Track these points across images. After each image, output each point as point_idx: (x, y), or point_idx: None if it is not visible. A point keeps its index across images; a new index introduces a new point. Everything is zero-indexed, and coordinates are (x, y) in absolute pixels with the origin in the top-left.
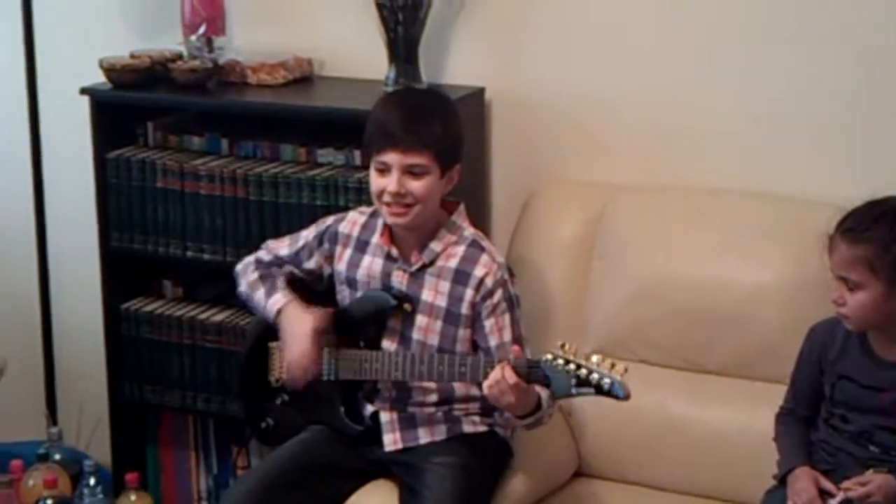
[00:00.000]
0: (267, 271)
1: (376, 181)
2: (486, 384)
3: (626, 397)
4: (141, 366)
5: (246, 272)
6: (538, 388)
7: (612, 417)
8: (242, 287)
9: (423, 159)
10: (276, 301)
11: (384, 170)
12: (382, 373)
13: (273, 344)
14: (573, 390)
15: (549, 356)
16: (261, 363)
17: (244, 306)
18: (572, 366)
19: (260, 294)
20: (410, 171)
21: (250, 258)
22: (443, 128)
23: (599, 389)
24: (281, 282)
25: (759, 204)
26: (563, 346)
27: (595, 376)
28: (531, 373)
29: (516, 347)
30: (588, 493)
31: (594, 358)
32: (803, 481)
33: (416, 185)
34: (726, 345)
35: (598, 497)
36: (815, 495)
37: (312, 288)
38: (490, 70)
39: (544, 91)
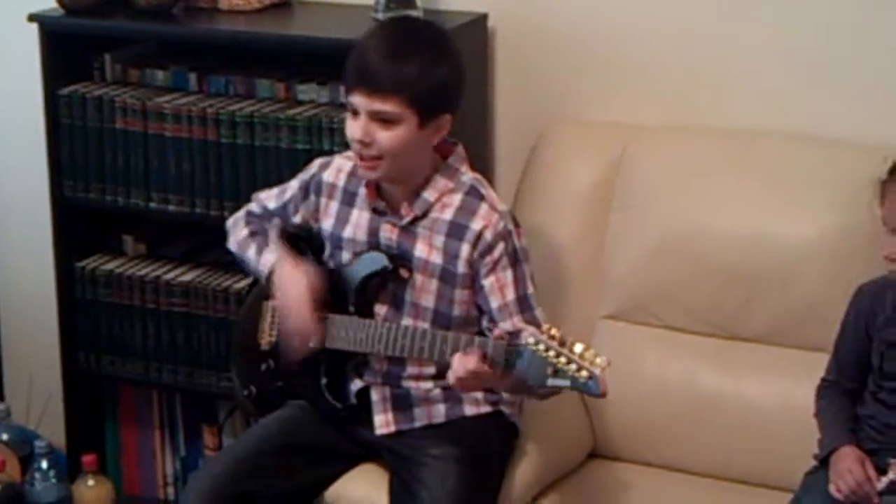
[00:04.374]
0: (258, 225)
1: (348, 125)
2: (451, 376)
3: (601, 395)
4: (98, 333)
5: (236, 227)
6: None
7: (633, 391)
8: (233, 244)
9: (391, 105)
10: (266, 260)
11: (356, 112)
12: (365, 344)
13: (267, 303)
14: (549, 381)
15: (532, 340)
16: (251, 323)
17: (216, 264)
18: (552, 353)
19: (251, 252)
20: (379, 118)
21: (241, 212)
22: (421, 70)
23: (574, 383)
24: (274, 236)
25: (802, 148)
26: (549, 328)
27: (572, 367)
28: (509, 360)
29: (497, 331)
30: (604, 477)
31: (577, 347)
32: (848, 461)
33: (383, 136)
34: (764, 308)
35: (616, 481)
36: (863, 477)
37: (311, 245)
38: None
39: (556, 17)
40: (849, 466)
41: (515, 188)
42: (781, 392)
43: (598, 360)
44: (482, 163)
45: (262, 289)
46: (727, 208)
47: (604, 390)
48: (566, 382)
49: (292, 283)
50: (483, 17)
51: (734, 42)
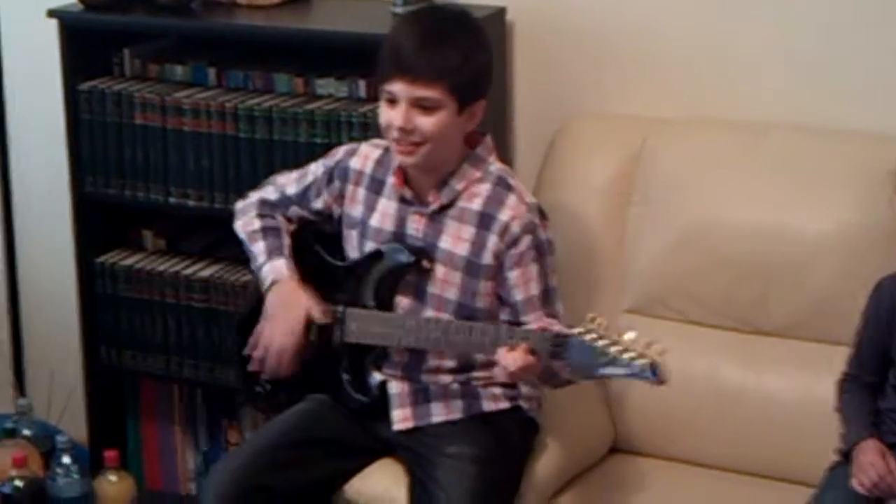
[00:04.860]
0: (272, 221)
1: (385, 113)
2: (501, 372)
3: (661, 382)
4: (119, 328)
5: (246, 214)
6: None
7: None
8: (240, 231)
9: (434, 92)
10: (276, 270)
11: (393, 100)
12: (392, 337)
13: None
14: (601, 370)
15: (579, 330)
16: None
17: (235, 259)
18: (604, 342)
19: (259, 248)
20: (420, 105)
21: (254, 196)
22: (463, 57)
23: (631, 371)
24: (286, 244)
25: (819, 140)
26: (593, 318)
27: (628, 356)
28: (556, 351)
29: (542, 323)
30: (625, 472)
31: (628, 335)
32: (870, 455)
33: (425, 122)
34: (783, 301)
35: (637, 476)
36: (885, 470)
37: (322, 230)
38: None
39: (574, 11)
40: (871, 460)
41: (535, 182)
42: (802, 386)
43: (655, 347)
44: (502, 156)
45: None
46: (747, 201)
47: (663, 378)
48: (622, 371)
49: (295, 307)
50: (502, 11)
51: (754, 35)
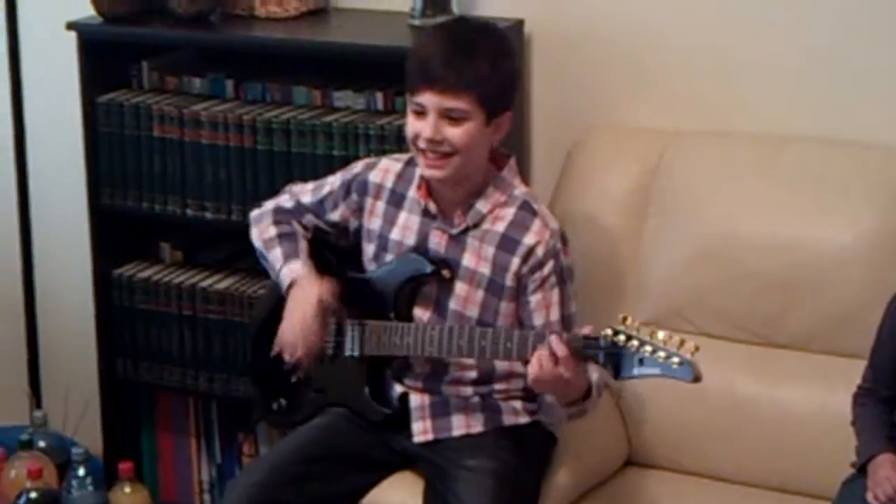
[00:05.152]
0: (288, 227)
1: (412, 125)
2: (532, 370)
3: (696, 380)
4: (135, 340)
5: (262, 221)
6: (590, 369)
7: (669, 399)
8: (256, 240)
9: (462, 103)
10: (293, 271)
11: (420, 112)
12: (415, 347)
13: None
14: (635, 371)
15: (609, 331)
16: (274, 334)
17: (252, 271)
18: (635, 342)
19: (276, 255)
20: (449, 116)
21: (269, 205)
22: (490, 67)
23: (665, 370)
24: (303, 248)
25: (837, 152)
26: (624, 319)
27: (661, 355)
28: (587, 351)
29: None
30: (640, 485)
31: (660, 334)
32: (886, 469)
33: (454, 133)
34: (800, 314)
35: (652, 489)
36: None
37: (337, 243)
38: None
39: (592, 24)
40: (887, 474)
41: (552, 194)
42: (818, 399)
43: (687, 346)
44: (519, 169)
45: (279, 298)
46: (764, 213)
47: (697, 375)
48: (655, 371)
49: (308, 291)
50: (519, 24)
51: (770, 47)
